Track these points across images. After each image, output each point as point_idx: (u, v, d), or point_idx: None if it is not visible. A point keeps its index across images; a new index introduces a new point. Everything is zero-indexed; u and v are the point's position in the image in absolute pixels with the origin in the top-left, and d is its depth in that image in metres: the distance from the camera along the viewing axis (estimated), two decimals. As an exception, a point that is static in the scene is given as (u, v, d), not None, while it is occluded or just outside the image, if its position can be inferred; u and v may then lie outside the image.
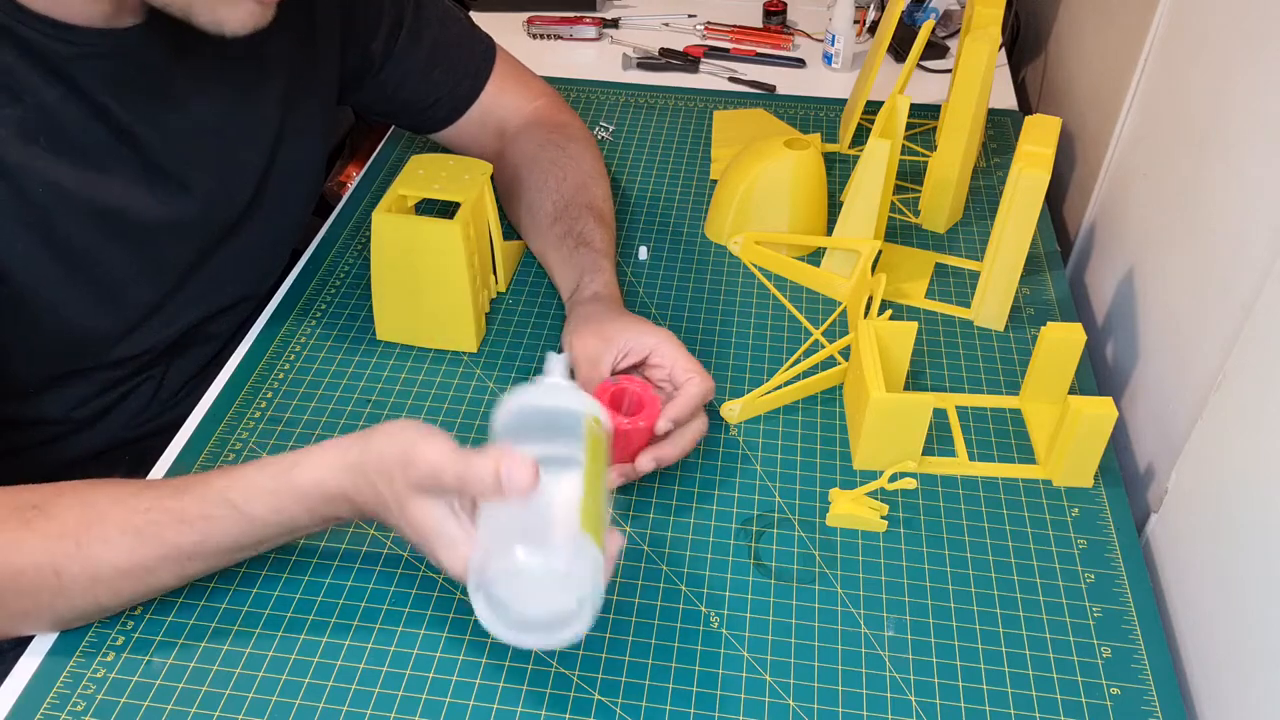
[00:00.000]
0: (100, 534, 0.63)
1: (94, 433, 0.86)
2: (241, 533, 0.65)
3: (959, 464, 0.80)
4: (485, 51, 1.02)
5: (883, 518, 0.75)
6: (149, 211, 0.77)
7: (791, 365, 0.87)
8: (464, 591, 0.70)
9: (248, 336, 0.90)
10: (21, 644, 0.67)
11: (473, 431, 0.82)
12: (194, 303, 0.85)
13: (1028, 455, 0.81)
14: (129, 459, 0.88)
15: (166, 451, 0.80)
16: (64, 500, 0.64)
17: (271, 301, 0.94)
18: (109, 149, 0.74)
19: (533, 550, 0.56)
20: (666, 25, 1.40)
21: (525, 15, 1.39)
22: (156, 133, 0.76)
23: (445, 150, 1.04)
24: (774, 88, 1.27)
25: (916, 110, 1.15)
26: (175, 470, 0.78)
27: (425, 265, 0.84)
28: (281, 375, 0.86)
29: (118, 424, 0.87)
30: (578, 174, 0.95)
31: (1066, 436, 0.76)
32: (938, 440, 0.82)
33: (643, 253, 1.00)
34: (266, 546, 0.67)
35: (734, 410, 0.83)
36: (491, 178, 0.89)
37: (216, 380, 0.86)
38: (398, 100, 1.00)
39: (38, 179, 0.71)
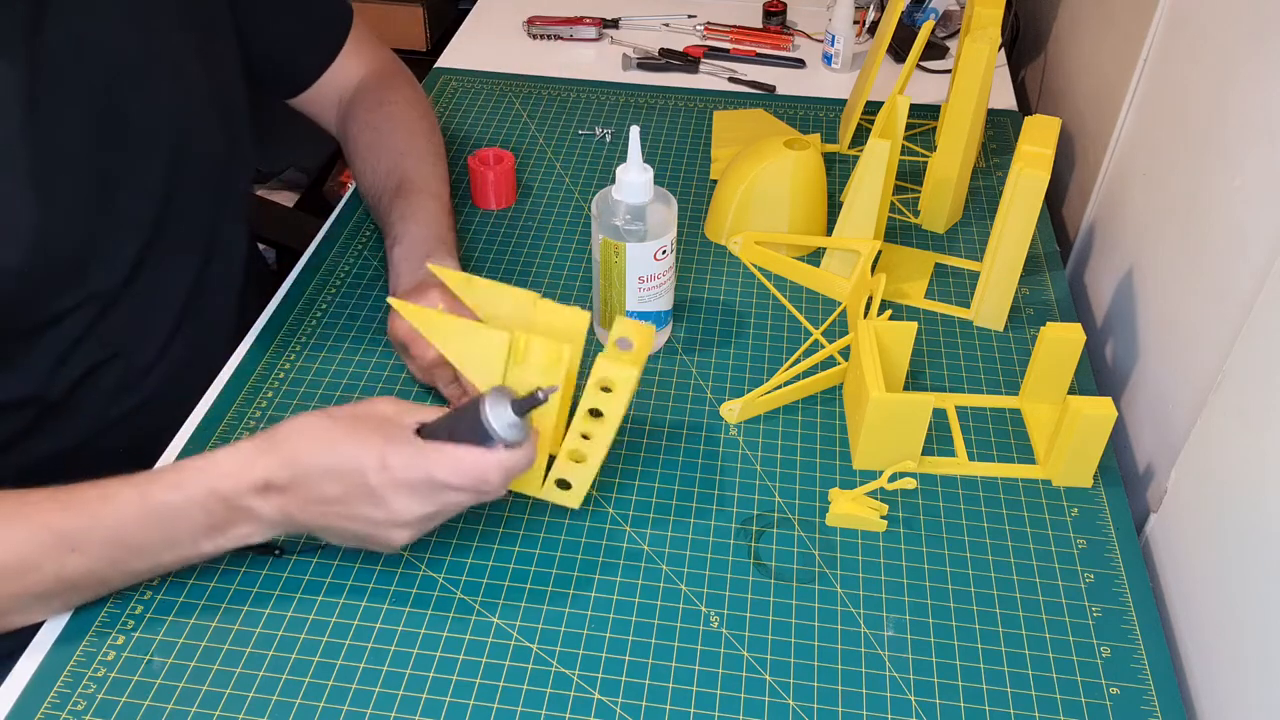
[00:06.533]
0: None
1: (74, 415, 0.84)
2: (131, 519, 0.64)
3: (959, 464, 0.80)
4: (343, 14, 1.04)
5: (882, 518, 0.75)
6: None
7: (791, 365, 0.87)
8: (465, 591, 0.70)
9: (247, 336, 0.90)
10: (22, 643, 0.67)
11: (473, 431, 0.82)
12: (110, 227, 0.81)
13: (1027, 455, 0.81)
14: (124, 450, 0.84)
15: (165, 454, 0.80)
16: None
17: (272, 301, 0.94)
18: None
19: None
20: (666, 25, 1.40)
21: (525, 15, 1.39)
22: None
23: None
24: (774, 88, 1.27)
25: (916, 110, 1.15)
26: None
27: None
28: (281, 375, 0.86)
29: (96, 403, 0.85)
30: (388, 157, 0.98)
31: (1066, 437, 0.76)
32: (937, 440, 0.82)
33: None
34: (157, 556, 0.66)
35: (734, 410, 0.83)
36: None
37: (216, 381, 0.86)
38: (254, 51, 0.97)
39: None
